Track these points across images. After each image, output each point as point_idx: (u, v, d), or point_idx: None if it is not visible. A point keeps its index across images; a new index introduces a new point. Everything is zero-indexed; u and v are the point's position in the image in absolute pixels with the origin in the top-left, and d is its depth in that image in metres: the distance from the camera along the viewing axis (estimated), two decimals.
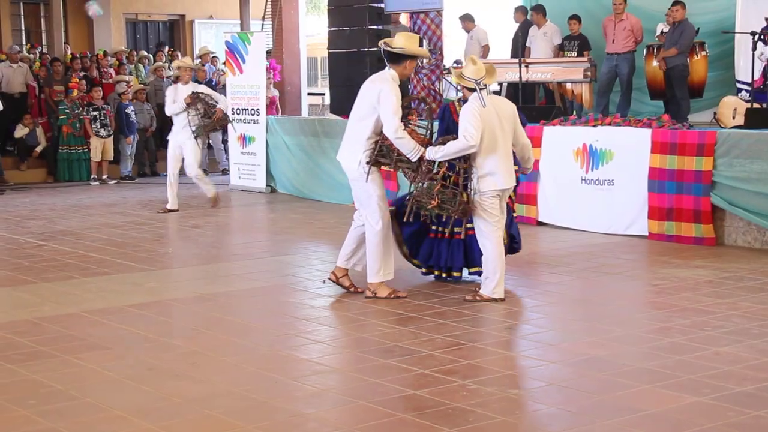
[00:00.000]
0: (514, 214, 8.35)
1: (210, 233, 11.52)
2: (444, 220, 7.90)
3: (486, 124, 7.38)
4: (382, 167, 7.88)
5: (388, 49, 7.72)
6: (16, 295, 8.30)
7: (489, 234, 7.58)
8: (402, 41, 7.77)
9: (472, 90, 7.49)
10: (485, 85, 7.47)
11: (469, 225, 8.12)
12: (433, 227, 8.23)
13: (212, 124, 13.05)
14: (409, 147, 7.56)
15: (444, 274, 8.36)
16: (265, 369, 6.09)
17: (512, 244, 8.38)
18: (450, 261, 8.24)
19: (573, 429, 4.91)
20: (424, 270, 8.46)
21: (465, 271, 8.35)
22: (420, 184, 7.62)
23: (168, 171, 13.28)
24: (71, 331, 7.03)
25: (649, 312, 7.44)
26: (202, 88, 13.40)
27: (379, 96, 7.60)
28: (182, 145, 13.01)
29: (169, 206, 13.21)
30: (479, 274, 8.18)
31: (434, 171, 7.58)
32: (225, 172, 17.14)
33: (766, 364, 5.96)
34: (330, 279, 8.12)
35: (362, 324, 7.09)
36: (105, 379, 5.92)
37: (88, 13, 18.70)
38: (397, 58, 7.74)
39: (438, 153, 7.47)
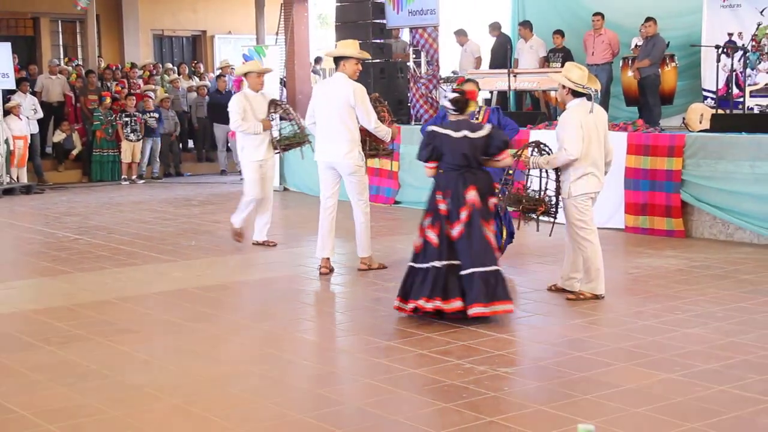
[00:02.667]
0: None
1: (229, 227, 11.49)
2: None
3: (585, 131, 7.03)
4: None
5: (327, 55, 8.33)
6: (55, 284, 8.31)
7: (586, 236, 7.16)
8: (336, 48, 8.49)
9: (579, 95, 7.13)
10: (595, 90, 7.22)
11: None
12: None
13: (298, 138, 9.71)
14: (384, 132, 8.21)
15: None
16: (280, 350, 6.10)
17: (510, 239, 8.42)
18: None
19: (557, 403, 4.91)
20: None
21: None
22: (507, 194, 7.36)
23: (249, 196, 9.73)
24: (104, 316, 7.04)
25: (625, 297, 7.43)
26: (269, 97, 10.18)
27: (354, 94, 8.01)
28: (264, 162, 9.71)
29: (256, 237, 10.02)
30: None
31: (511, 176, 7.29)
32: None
33: (730, 344, 5.96)
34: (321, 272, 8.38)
35: (367, 309, 7.09)
36: (135, 359, 5.93)
37: (77, 6, 18.44)
38: (336, 62, 8.30)
39: (546, 164, 7.16)
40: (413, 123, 13.21)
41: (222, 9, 22.88)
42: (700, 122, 10.87)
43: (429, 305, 6.57)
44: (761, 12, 12.47)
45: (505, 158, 6.96)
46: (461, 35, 15.83)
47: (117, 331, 6.58)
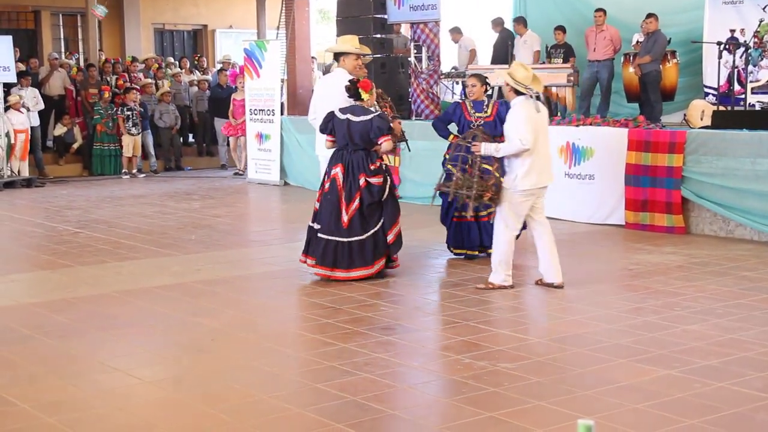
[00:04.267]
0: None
1: (229, 221, 11.52)
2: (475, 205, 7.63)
3: (532, 125, 7.13)
4: None
5: (327, 50, 8.43)
6: (55, 277, 8.31)
7: (509, 226, 7.34)
8: (336, 44, 8.58)
9: (520, 94, 7.23)
10: (538, 93, 7.34)
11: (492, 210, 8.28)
12: (456, 213, 8.53)
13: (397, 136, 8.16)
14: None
15: (470, 253, 8.63)
16: (279, 345, 6.10)
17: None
18: (488, 240, 8.41)
19: (556, 399, 4.92)
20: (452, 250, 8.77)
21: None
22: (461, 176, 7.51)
23: None
24: (104, 310, 7.04)
25: (625, 294, 7.44)
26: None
27: None
28: None
29: None
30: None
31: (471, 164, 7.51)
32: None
33: (729, 340, 5.97)
34: None
35: (366, 305, 7.10)
36: (135, 352, 5.94)
37: (95, 14, 18.35)
38: (336, 57, 8.52)
39: (496, 151, 7.25)
40: (414, 118, 13.20)
41: (223, 3, 22.87)
42: (701, 119, 10.86)
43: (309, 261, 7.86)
44: (763, 8, 12.47)
45: (385, 143, 7.62)
46: (455, 33, 15.95)
47: (117, 325, 6.59)
